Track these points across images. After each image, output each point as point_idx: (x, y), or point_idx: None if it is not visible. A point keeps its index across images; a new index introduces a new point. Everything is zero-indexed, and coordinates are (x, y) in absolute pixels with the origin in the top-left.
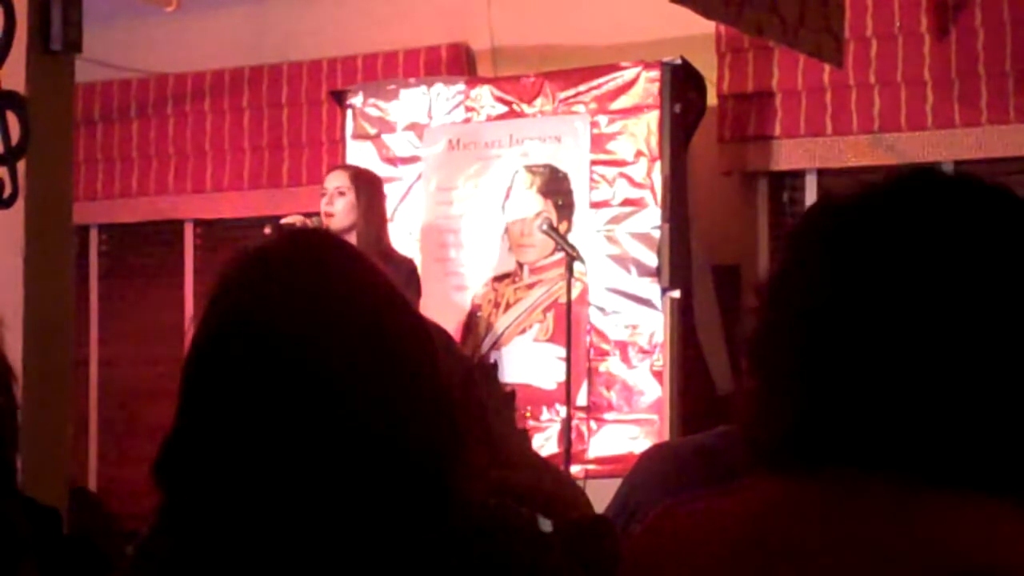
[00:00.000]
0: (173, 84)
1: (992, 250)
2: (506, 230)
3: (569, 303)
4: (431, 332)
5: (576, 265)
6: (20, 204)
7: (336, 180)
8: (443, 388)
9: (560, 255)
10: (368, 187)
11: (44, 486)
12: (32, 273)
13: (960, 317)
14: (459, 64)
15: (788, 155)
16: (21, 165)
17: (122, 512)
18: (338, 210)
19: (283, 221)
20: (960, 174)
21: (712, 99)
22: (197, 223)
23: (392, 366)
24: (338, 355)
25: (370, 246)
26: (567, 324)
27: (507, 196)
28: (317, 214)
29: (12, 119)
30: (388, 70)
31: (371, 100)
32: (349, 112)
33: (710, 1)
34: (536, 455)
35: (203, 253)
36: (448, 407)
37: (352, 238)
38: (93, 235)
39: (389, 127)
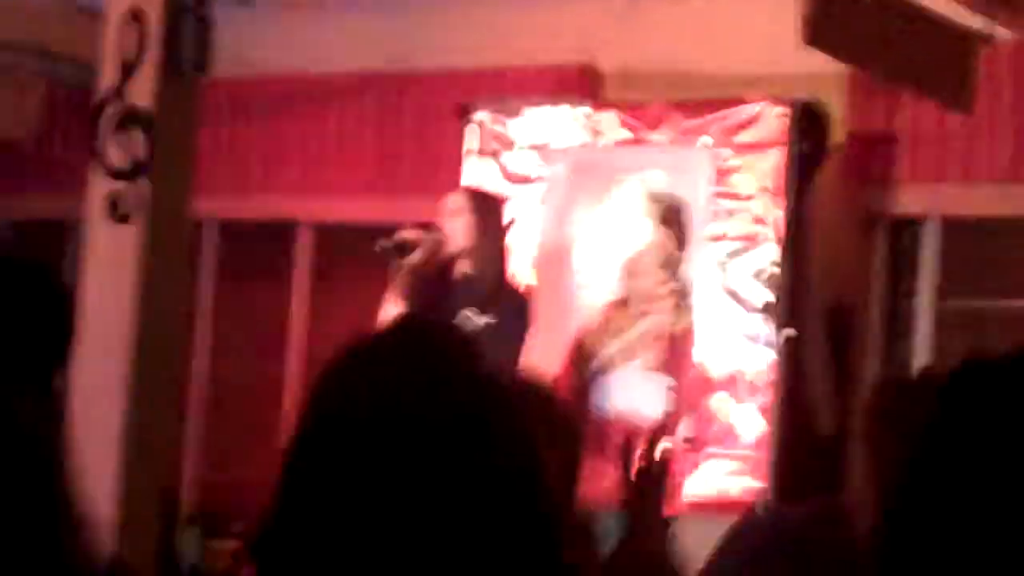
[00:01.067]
0: (298, 84)
1: None
2: (622, 257)
3: (669, 356)
4: (533, 419)
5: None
6: (138, 221)
7: (454, 202)
8: (543, 501)
9: (672, 285)
10: (487, 210)
11: (138, 498)
12: (144, 291)
13: None
14: (585, 83)
15: (910, 199)
16: (143, 183)
17: (217, 510)
18: (455, 231)
19: (399, 236)
20: None
21: (839, 137)
22: (312, 225)
23: (491, 479)
24: (434, 461)
25: (487, 270)
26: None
27: (624, 223)
28: (434, 227)
29: (137, 136)
30: (514, 84)
31: (494, 116)
32: (473, 127)
33: (843, 45)
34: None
35: (316, 255)
36: (545, 524)
37: (467, 261)
38: (210, 230)
39: (508, 144)
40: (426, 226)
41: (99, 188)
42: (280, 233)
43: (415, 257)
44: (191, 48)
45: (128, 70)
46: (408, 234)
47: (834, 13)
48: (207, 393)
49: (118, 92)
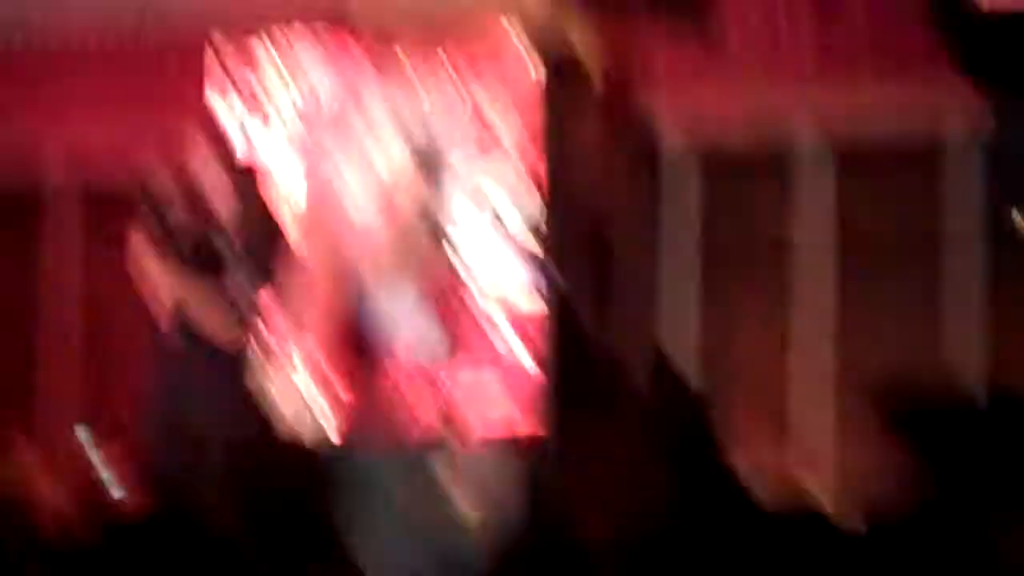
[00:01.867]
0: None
1: None
2: (385, 199)
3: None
4: None
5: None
6: None
7: (210, 173)
8: None
9: (436, 227)
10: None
11: None
12: None
13: None
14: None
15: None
16: None
17: None
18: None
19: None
20: None
21: (597, 70)
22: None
23: None
24: None
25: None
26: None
27: (385, 165)
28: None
29: None
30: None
31: (239, 50)
32: (216, 63)
33: None
34: None
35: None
36: None
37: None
38: None
39: (255, 70)
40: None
41: None
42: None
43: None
44: None
45: None
46: (164, 187)
47: None
48: None
49: None
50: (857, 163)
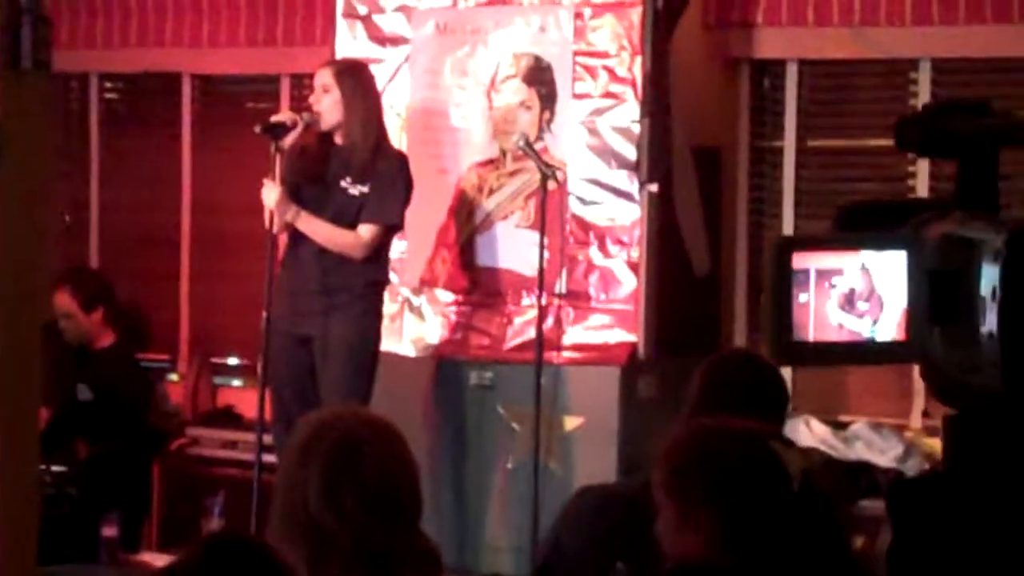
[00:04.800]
0: None
1: None
2: (490, 116)
3: (543, 214)
4: None
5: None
6: None
7: (322, 77)
8: None
9: (541, 143)
10: (353, 81)
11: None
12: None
13: None
14: None
15: (769, 43)
16: None
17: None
18: (324, 108)
19: (274, 119)
20: None
21: None
22: (194, 77)
23: None
24: None
25: (358, 141)
26: (542, 218)
27: (491, 83)
28: (309, 110)
29: None
30: None
31: None
32: None
33: None
34: None
35: (199, 106)
36: None
37: (340, 134)
38: (94, 83)
39: (379, 7)
40: (301, 112)
41: None
42: (164, 85)
43: (289, 138)
44: (31, 45)
45: None
46: (282, 116)
47: None
48: (102, 242)
49: None
50: None
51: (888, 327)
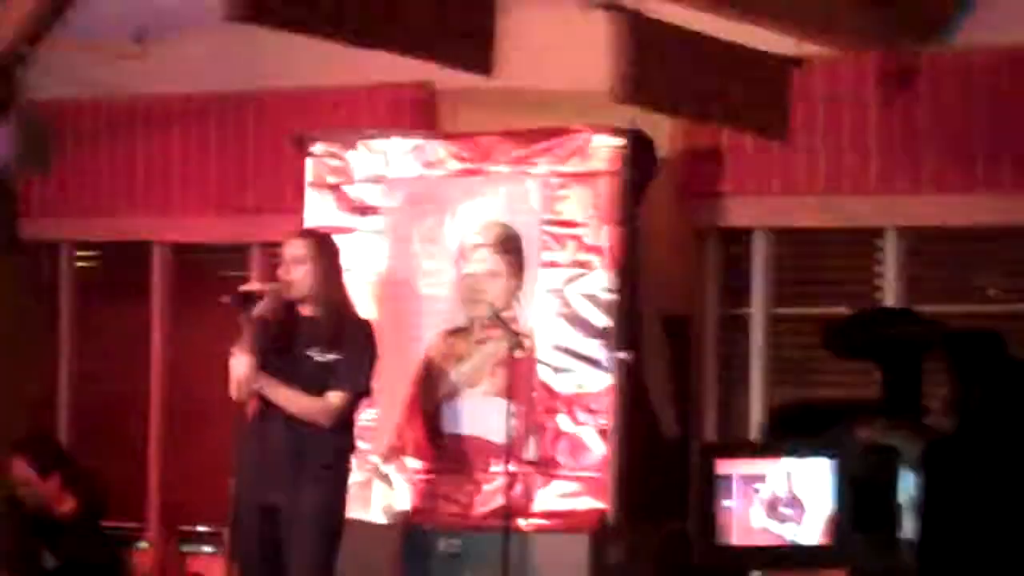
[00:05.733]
0: (142, 107)
1: None
2: (459, 285)
3: (511, 382)
4: None
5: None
6: None
7: (294, 248)
8: None
9: (511, 312)
10: (326, 253)
11: None
12: None
13: None
14: (421, 104)
15: (737, 212)
16: None
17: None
18: (297, 279)
19: (242, 288)
20: None
21: (666, 152)
22: (165, 245)
23: None
24: None
25: (329, 310)
26: (510, 386)
27: (460, 252)
28: (277, 280)
29: None
30: (352, 106)
31: (330, 149)
32: (309, 161)
33: (657, 98)
34: None
35: (171, 274)
36: None
37: (310, 305)
38: (64, 251)
39: (349, 177)
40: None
41: None
42: (135, 253)
43: (258, 308)
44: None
45: None
46: (252, 286)
47: (646, 68)
48: (72, 412)
49: None
50: None
51: (811, 532)
